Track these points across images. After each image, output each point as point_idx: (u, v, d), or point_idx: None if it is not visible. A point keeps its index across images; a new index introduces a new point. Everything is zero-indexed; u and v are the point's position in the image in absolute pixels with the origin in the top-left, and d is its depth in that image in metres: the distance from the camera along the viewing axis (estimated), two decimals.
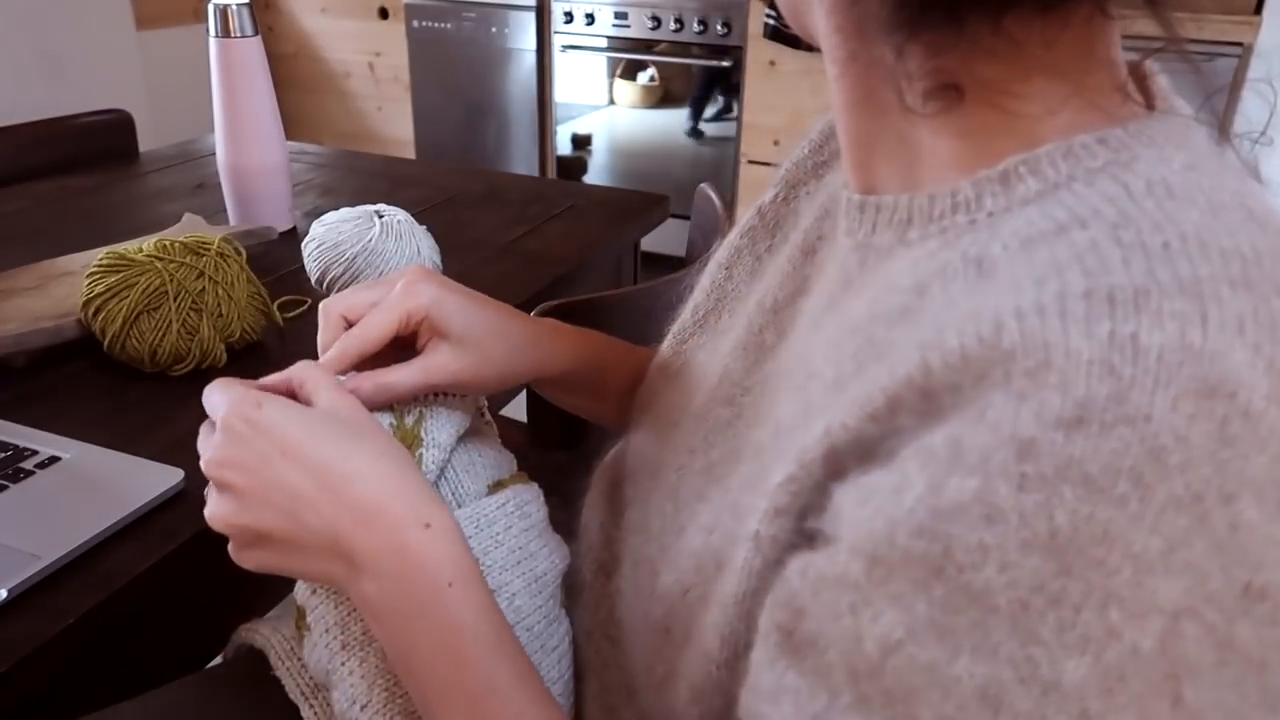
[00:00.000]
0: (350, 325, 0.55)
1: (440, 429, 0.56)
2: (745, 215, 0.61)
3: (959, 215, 0.39)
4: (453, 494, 0.57)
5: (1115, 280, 0.31)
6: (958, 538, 0.30)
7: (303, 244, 0.98)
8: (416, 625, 0.45)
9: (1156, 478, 0.28)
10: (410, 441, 0.55)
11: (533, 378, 0.62)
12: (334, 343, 0.55)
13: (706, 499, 0.46)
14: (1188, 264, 0.31)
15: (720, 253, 0.61)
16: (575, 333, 0.65)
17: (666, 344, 0.62)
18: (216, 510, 0.48)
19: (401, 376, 0.55)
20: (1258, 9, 2.24)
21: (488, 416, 0.65)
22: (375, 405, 0.54)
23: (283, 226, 1.17)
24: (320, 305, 0.57)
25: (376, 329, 0.55)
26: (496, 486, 0.59)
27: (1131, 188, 0.34)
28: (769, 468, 0.42)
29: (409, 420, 0.56)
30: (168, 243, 0.85)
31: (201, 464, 0.48)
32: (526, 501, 0.59)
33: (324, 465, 0.46)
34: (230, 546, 0.49)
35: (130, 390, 0.81)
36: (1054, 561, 0.29)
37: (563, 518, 0.68)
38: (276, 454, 0.46)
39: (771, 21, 0.48)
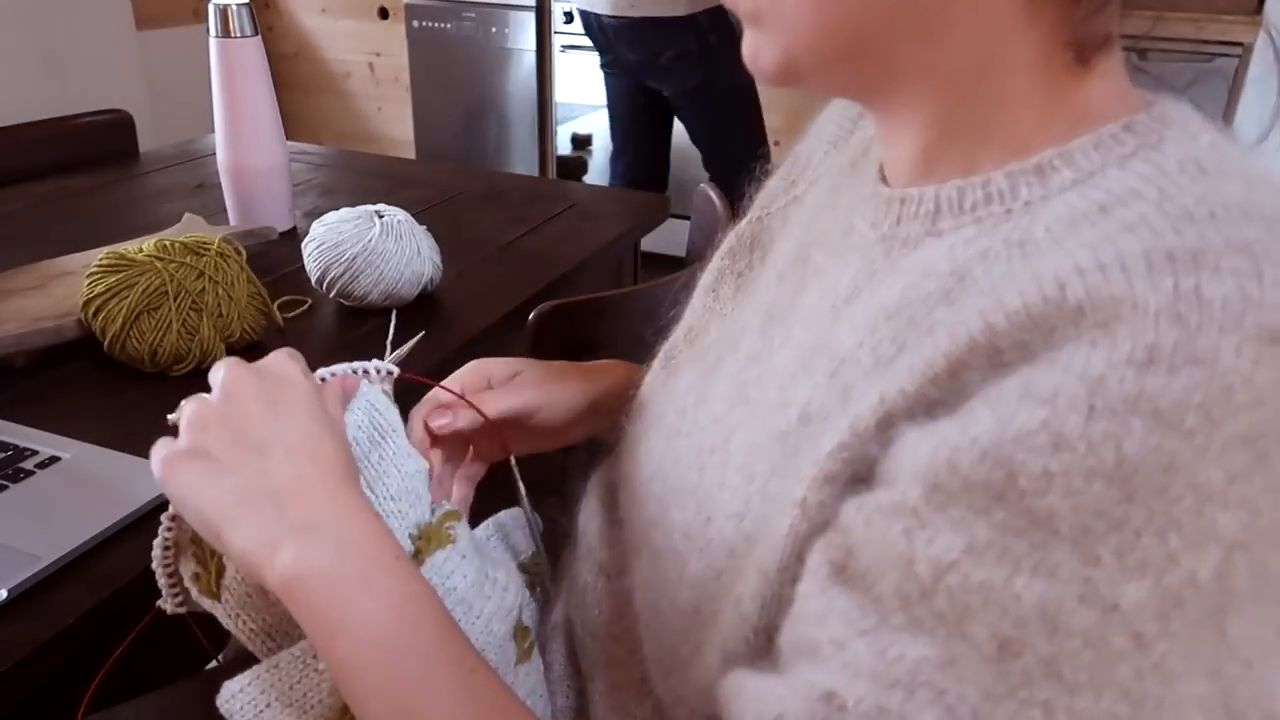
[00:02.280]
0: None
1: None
2: (725, 240, 0.63)
3: (993, 205, 0.40)
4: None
5: (1170, 242, 0.32)
6: (1023, 463, 0.31)
7: (303, 244, 0.99)
8: (360, 585, 0.43)
9: (1224, 414, 0.30)
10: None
11: (589, 403, 0.66)
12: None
13: (729, 488, 0.48)
14: (1234, 229, 0.33)
15: (705, 277, 0.64)
16: (610, 365, 0.70)
17: (658, 362, 0.64)
18: (201, 407, 0.48)
19: (487, 399, 0.61)
20: (1258, 9, 2.24)
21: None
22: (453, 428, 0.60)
23: (283, 226, 1.17)
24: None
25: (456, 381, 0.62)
26: (419, 546, 0.53)
27: (1164, 167, 0.36)
28: (802, 449, 0.43)
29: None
30: (168, 243, 0.85)
31: (222, 371, 0.49)
32: (448, 575, 0.53)
33: (314, 435, 0.47)
34: (163, 452, 0.48)
35: (130, 390, 0.81)
36: (1118, 489, 0.30)
37: (563, 520, 0.68)
38: (285, 400, 0.48)
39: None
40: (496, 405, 0.61)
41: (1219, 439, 0.30)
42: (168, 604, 0.53)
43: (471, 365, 0.64)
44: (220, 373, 0.48)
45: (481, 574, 0.55)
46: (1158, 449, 0.30)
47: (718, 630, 0.44)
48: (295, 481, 0.45)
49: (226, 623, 0.50)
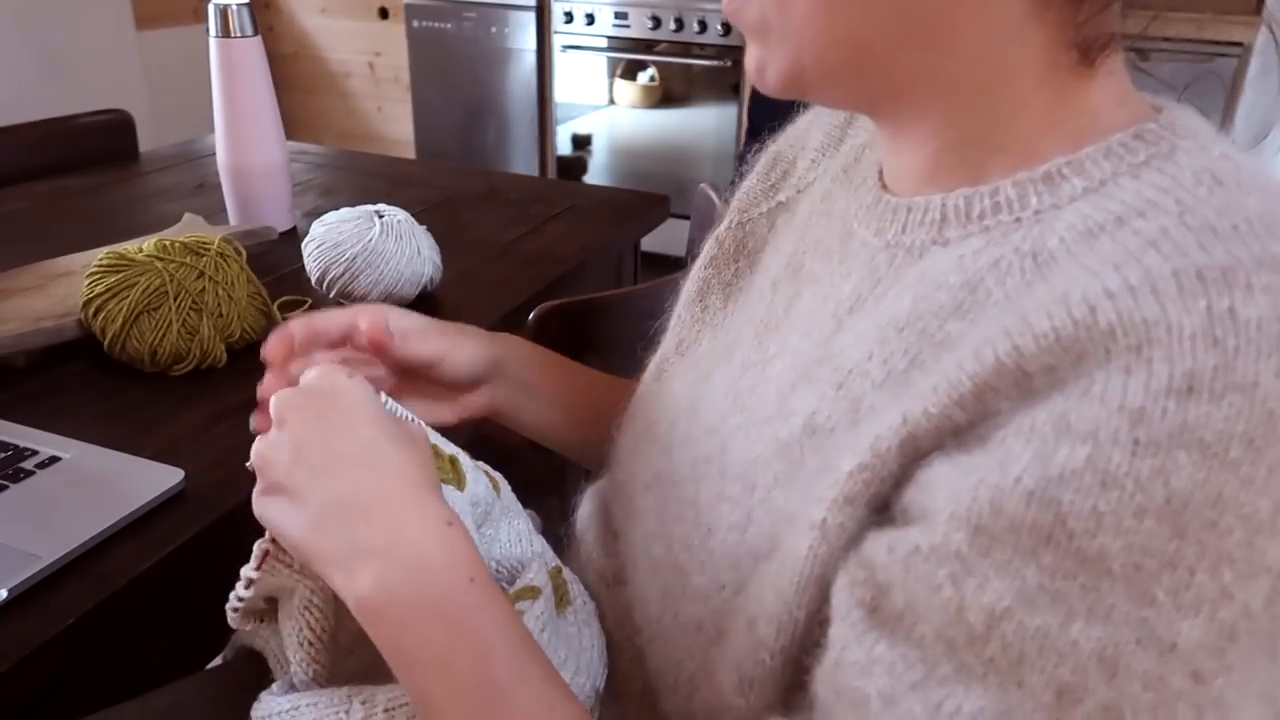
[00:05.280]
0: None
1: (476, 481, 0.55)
2: (705, 247, 0.62)
3: (1002, 214, 0.40)
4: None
5: (1197, 260, 0.32)
6: (1070, 504, 0.31)
7: (303, 244, 0.99)
8: (433, 617, 0.42)
9: (1267, 441, 0.30)
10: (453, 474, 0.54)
11: (491, 360, 0.65)
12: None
13: (729, 499, 0.47)
14: (1260, 244, 0.32)
15: (690, 286, 0.63)
16: (510, 336, 0.69)
17: (649, 374, 0.63)
18: (262, 446, 0.48)
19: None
20: (1258, 9, 2.24)
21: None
22: None
23: (283, 226, 1.17)
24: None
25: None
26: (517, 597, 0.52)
27: (1179, 178, 0.36)
28: (809, 461, 0.42)
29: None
30: (168, 243, 0.85)
31: (272, 401, 0.49)
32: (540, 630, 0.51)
33: (374, 441, 0.47)
34: (255, 491, 0.48)
35: (130, 390, 0.81)
36: (1169, 525, 0.30)
37: (561, 525, 0.68)
38: (336, 413, 0.48)
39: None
40: (406, 350, 0.61)
41: (1264, 467, 0.30)
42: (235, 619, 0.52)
43: (368, 309, 0.62)
44: (271, 403, 0.49)
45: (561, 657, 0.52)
46: (1205, 482, 0.30)
47: (727, 649, 0.44)
48: (359, 498, 0.45)
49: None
